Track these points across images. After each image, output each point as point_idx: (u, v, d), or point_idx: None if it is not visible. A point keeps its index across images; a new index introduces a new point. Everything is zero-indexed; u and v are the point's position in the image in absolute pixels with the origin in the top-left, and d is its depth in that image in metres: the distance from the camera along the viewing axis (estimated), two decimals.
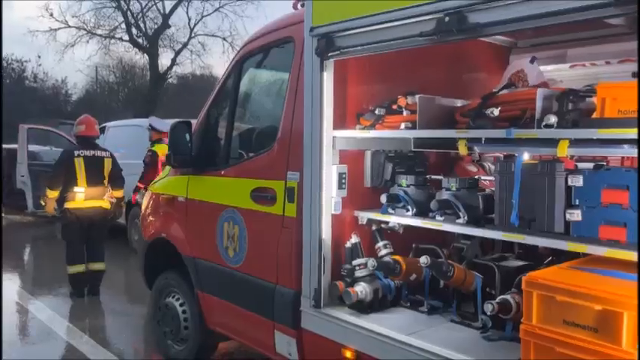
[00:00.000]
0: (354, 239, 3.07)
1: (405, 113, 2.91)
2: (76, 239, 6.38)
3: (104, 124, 10.76)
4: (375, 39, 2.67)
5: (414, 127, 2.81)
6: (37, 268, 7.32)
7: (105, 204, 6.47)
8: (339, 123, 3.03)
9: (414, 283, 3.01)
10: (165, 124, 8.14)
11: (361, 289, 2.94)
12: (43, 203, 6.42)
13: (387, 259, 2.97)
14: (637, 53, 2.12)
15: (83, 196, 6.28)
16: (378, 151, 3.15)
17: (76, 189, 6.25)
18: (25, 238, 10.51)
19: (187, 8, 28.08)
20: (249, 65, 3.93)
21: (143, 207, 4.81)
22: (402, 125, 2.87)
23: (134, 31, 28.19)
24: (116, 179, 6.62)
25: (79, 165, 6.27)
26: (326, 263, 3.02)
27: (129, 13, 27.71)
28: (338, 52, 2.85)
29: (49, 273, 7.38)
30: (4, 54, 30.74)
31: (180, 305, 4.25)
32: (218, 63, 39.09)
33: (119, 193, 6.67)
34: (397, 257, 2.92)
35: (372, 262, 2.90)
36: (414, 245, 3.12)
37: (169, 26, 28.45)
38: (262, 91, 4.34)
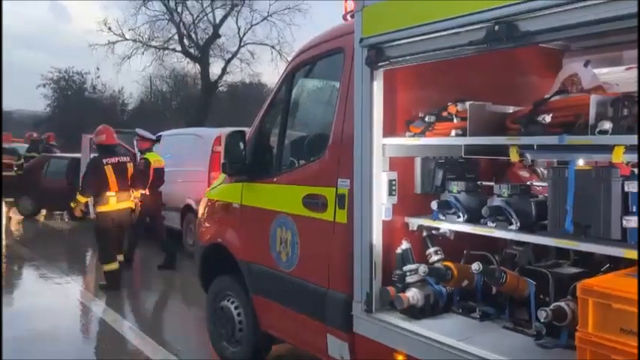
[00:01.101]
0: (405, 245, 3.10)
1: (455, 120, 2.92)
2: (110, 239, 7.05)
3: (160, 133, 11.19)
4: (424, 49, 2.70)
5: (464, 134, 2.82)
6: (99, 271, 7.73)
7: (131, 204, 7.24)
8: (389, 130, 3.08)
9: (466, 290, 3.01)
10: (150, 134, 8.94)
11: (413, 295, 2.96)
12: (74, 205, 7.12)
13: (438, 265, 3.00)
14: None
15: (115, 199, 6.99)
16: (428, 157, 3.18)
17: (108, 193, 6.94)
18: (86, 241, 11.00)
19: (237, 18, 28.78)
20: (301, 76, 4.04)
21: (199, 213, 5.00)
22: (453, 132, 2.89)
23: (186, 41, 29.14)
24: (136, 181, 7.41)
25: (109, 172, 6.96)
26: (377, 269, 3.07)
27: (181, 24, 28.66)
28: (387, 62, 2.91)
29: None
30: (65, 67, 32.41)
31: (235, 308, 4.39)
32: (267, 71, 39.72)
33: (139, 193, 7.50)
34: (448, 263, 2.94)
35: (423, 268, 2.92)
36: (465, 251, 3.12)
37: (220, 36, 29.23)
38: (313, 101, 4.44)
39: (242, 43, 29.36)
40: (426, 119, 3.04)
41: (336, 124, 3.45)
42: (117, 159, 7.18)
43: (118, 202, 6.99)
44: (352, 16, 3.30)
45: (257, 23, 28.81)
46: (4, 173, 13.20)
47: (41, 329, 5.53)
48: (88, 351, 5.18)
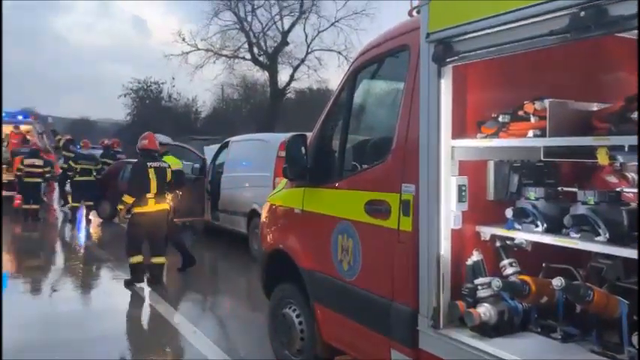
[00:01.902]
0: (476, 256, 2.88)
1: (532, 120, 2.66)
2: (139, 236, 7.39)
3: (227, 139, 11.41)
4: (498, 41, 2.48)
5: (543, 135, 2.57)
6: (169, 274, 7.95)
7: (167, 206, 7.52)
8: (459, 132, 2.87)
9: (545, 307, 2.73)
10: (166, 139, 9.35)
11: (485, 311, 2.73)
12: (121, 207, 7.41)
13: (513, 279, 2.75)
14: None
15: (154, 201, 7.31)
16: (502, 161, 2.93)
17: (148, 195, 7.27)
18: None
19: (304, 25, 29.18)
20: (364, 76, 3.89)
21: (262, 218, 4.96)
22: (530, 133, 2.63)
23: (255, 50, 29.88)
24: (171, 186, 7.73)
25: (152, 174, 7.31)
26: (445, 281, 2.86)
27: (251, 33, 29.41)
28: (456, 57, 2.70)
29: (181, 279, 7.93)
30: (143, 77, 34.12)
31: (297, 317, 4.28)
32: (334, 77, 39.86)
33: (171, 197, 7.84)
34: (525, 277, 2.69)
35: (496, 282, 2.68)
36: (544, 264, 2.85)
37: (288, 43, 29.76)
38: (376, 102, 4.27)
39: (309, 50, 29.77)
40: (500, 119, 2.80)
41: (400, 125, 3.27)
42: (158, 163, 7.53)
43: (156, 203, 7.34)
44: (418, 12, 3.11)
45: (324, 29, 29.14)
46: (86, 178, 13.99)
47: (109, 330, 5.69)
48: (151, 353, 5.24)
